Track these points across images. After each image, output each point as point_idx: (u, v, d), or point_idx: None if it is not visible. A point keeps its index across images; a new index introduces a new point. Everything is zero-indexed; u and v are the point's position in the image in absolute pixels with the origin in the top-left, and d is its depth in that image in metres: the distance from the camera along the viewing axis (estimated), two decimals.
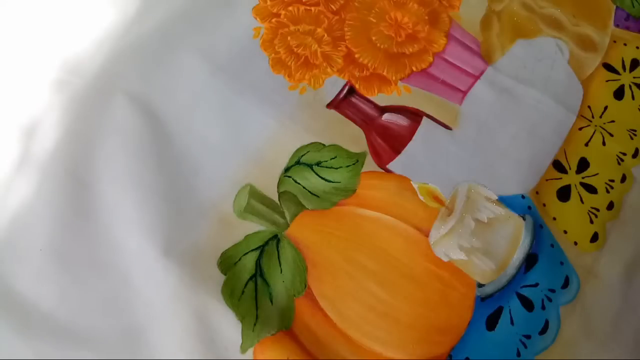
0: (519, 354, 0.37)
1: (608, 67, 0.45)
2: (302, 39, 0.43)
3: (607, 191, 0.42)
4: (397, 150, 0.41)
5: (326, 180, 0.40)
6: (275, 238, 0.38)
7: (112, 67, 0.41)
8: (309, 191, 0.39)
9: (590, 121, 0.44)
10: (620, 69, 0.46)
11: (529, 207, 0.40)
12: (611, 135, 0.43)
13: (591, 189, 0.42)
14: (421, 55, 0.44)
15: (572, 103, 0.44)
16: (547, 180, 0.41)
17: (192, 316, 0.36)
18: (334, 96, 0.42)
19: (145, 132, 0.40)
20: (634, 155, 0.43)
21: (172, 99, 0.41)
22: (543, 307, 0.38)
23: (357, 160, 0.40)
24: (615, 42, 0.46)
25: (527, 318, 0.38)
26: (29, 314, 0.35)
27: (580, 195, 0.42)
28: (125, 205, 0.38)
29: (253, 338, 0.36)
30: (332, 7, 0.44)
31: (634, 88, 0.45)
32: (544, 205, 0.41)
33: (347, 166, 0.40)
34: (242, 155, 0.40)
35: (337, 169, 0.40)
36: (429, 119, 0.42)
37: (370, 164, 0.40)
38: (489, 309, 0.38)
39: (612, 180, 0.42)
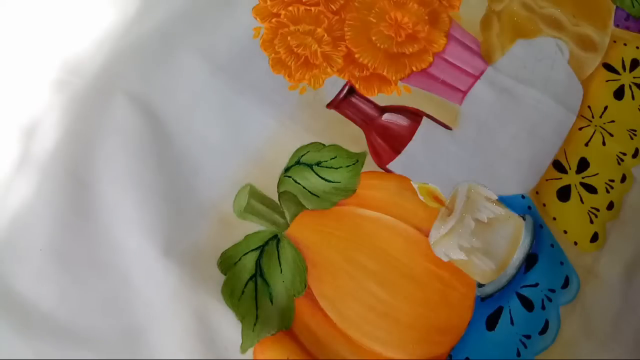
0: (519, 354, 0.37)
1: (608, 67, 0.45)
2: (302, 39, 0.43)
3: (607, 191, 0.42)
4: (397, 150, 0.41)
5: (326, 180, 0.40)
6: (275, 238, 0.38)
7: (112, 67, 0.41)
8: (309, 191, 0.39)
9: (590, 121, 0.44)
10: (620, 69, 0.46)
11: (529, 207, 0.40)
12: (611, 135, 0.43)
13: (591, 189, 0.42)
14: (421, 55, 0.44)
15: (572, 103, 0.44)
16: (547, 180, 0.41)
17: (192, 316, 0.36)
18: (334, 96, 0.42)
19: (145, 132, 0.40)
20: (634, 155, 0.43)
21: (172, 99, 0.41)
22: (543, 307, 0.38)
23: (357, 160, 0.40)
24: (615, 42, 0.46)
25: (527, 318, 0.38)
26: (29, 314, 0.35)
27: (580, 195, 0.42)
28: (125, 205, 0.38)
29: (253, 338, 0.36)
30: (332, 7, 0.44)
31: (634, 88, 0.45)
32: (544, 205, 0.41)
33: (347, 166, 0.40)
34: (242, 155, 0.40)
35: (337, 169, 0.40)
36: (429, 119, 0.42)
37: (370, 164, 0.40)
38: (489, 309, 0.38)
39: (612, 180, 0.42)
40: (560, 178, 0.42)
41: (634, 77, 0.45)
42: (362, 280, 0.38)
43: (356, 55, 0.43)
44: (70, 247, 0.37)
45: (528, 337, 0.38)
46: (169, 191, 0.38)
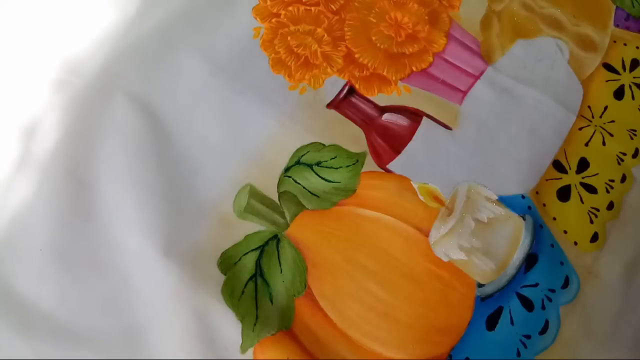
0: (519, 354, 0.37)
1: (608, 67, 0.45)
2: (302, 39, 0.43)
3: (607, 191, 0.42)
4: (397, 150, 0.41)
5: (326, 180, 0.40)
6: (275, 238, 0.38)
7: (112, 67, 0.41)
8: (309, 191, 0.39)
9: (590, 121, 0.44)
10: (620, 69, 0.46)
11: (529, 207, 0.40)
12: (611, 135, 0.43)
13: (591, 189, 0.42)
14: (421, 55, 0.44)
15: (572, 103, 0.44)
16: (547, 180, 0.41)
17: (192, 316, 0.36)
18: (334, 96, 0.42)
19: (145, 132, 0.40)
20: (634, 155, 0.43)
21: (172, 99, 0.41)
22: (543, 307, 0.38)
23: (357, 160, 0.40)
24: (615, 42, 0.46)
25: (527, 318, 0.38)
26: (29, 314, 0.35)
27: (580, 195, 0.42)
28: (125, 205, 0.38)
29: (253, 338, 0.36)
30: (332, 7, 0.44)
31: (634, 88, 0.45)
32: (544, 205, 0.41)
33: (347, 166, 0.40)
34: (242, 155, 0.40)
35: (337, 169, 0.40)
36: (429, 119, 0.42)
37: (370, 164, 0.40)
38: (489, 309, 0.38)
39: (612, 180, 0.42)
40: (560, 178, 0.42)
41: (634, 77, 0.45)
42: (362, 280, 0.38)
43: (356, 55, 0.43)
44: (70, 247, 0.37)
45: (528, 337, 0.38)
46: (169, 191, 0.38)
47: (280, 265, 0.38)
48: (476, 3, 0.46)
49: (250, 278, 0.37)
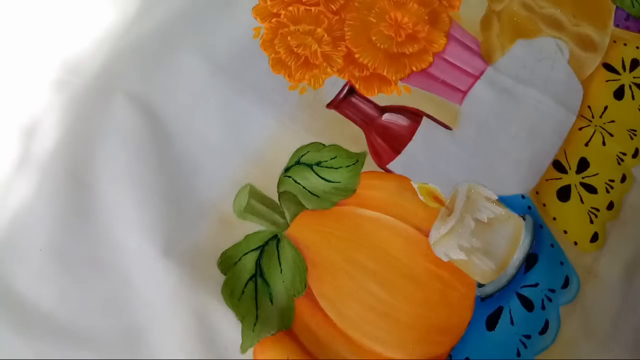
0: (519, 354, 0.37)
1: (608, 67, 0.45)
2: (302, 39, 0.43)
3: (607, 191, 0.42)
4: (397, 150, 0.41)
5: (326, 180, 0.40)
6: (275, 238, 0.38)
7: (112, 67, 0.41)
8: (309, 191, 0.39)
9: (590, 121, 0.44)
10: (620, 69, 0.46)
11: (529, 207, 0.40)
12: (611, 135, 0.43)
13: (591, 189, 0.42)
14: (421, 55, 0.44)
15: (572, 103, 0.44)
16: (547, 180, 0.41)
17: (192, 316, 0.36)
18: (334, 96, 0.42)
19: (145, 132, 0.40)
20: (634, 155, 0.43)
21: (172, 99, 0.41)
22: (543, 307, 0.38)
23: (357, 160, 0.40)
24: (615, 42, 0.46)
25: (527, 318, 0.38)
26: (29, 314, 0.35)
27: (580, 195, 0.42)
28: (125, 205, 0.38)
29: (253, 338, 0.36)
30: (332, 7, 0.44)
31: (634, 88, 0.45)
32: (544, 205, 0.41)
33: (347, 166, 0.40)
34: (242, 155, 0.40)
35: (337, 169, 0.40)
36: (429, 119, 0.42)
37: (370, 164, 0.40)
38: (489, 309, 0.38)
39: (612, 180, 0.42)
40: (560, 178, 0.42)
41: (634, 77, 0.45)
42: (362, 280, 0.38)
43: (356, 55, 0.43)
44: (70, 247, 0.37)
45: (528, 337, 0.38)
46: (169, 191, 0.38)
47: (280, 265, 0.38)
48: (476, 3, 0.46)
49: (250, 278, 0.37)
